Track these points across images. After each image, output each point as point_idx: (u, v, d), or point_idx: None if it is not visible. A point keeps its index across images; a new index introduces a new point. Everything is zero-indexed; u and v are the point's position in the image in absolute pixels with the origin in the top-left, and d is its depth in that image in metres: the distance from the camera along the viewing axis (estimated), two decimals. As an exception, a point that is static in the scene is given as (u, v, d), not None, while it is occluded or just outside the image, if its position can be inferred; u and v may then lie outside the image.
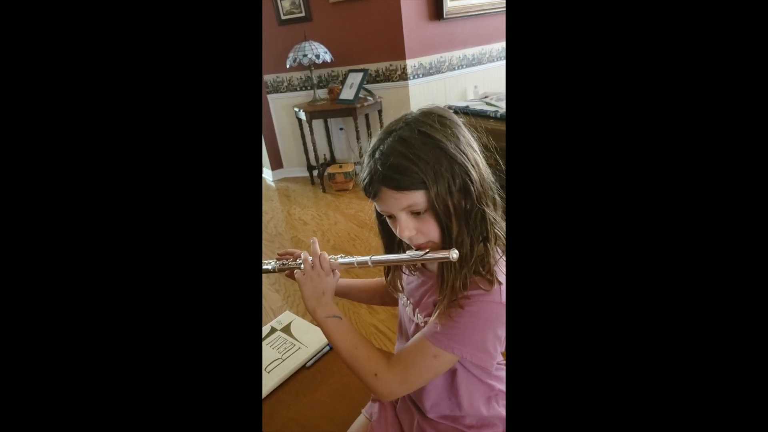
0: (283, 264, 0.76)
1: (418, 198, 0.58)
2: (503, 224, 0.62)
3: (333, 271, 0.69)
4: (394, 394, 0.68)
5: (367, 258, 0.67)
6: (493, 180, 0.62)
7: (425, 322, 0.68)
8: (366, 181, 0.60)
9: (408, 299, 0.74)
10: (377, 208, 0.64)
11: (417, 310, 0.71)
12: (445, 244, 0.61)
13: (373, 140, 0.62)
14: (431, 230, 0.61)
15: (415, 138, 0.58)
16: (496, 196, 0.63)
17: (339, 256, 0.71)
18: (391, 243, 0.71)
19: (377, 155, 0.59)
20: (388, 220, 0.64)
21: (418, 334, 0.66)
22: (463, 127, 0.62)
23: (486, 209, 0.60)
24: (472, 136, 0.63)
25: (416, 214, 0.60)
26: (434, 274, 0.68)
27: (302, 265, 0.70)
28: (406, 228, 0.60)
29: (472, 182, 0.59)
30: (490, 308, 0.60)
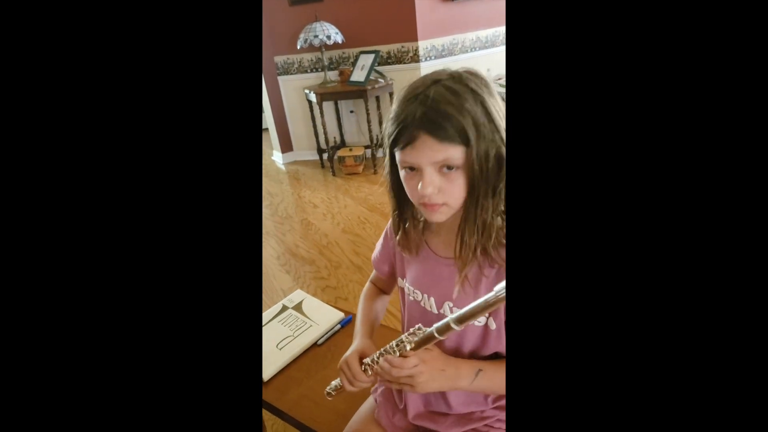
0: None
1: (456, 152, 0.55)
2: None
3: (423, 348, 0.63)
4: None
5: (447, 320, 0.58)
6: None
7: None
8: (400, 126, 0.56)
9: (424, 294, 0.70)
10: (400, 159, 0.59)
11: (448, 304, 0.67)
12: (468, 210, 0.59)
13: (412, 87, 0.58)
14: (456, 191, 0.58)
15: (465, 91, 0.55)
16: None
17: (406, 338, 0.63)
18: (402, 204, 0.67)
19: (421, 99, 0.55)
20: (405, 175, 0.60)
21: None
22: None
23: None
24: None
25: (447, 169, 0.57)
26: (451, 260, 0.65)
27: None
28: (430, 184, 0.56)
29: (504, 145, 0.57)
30: None
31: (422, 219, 0.69)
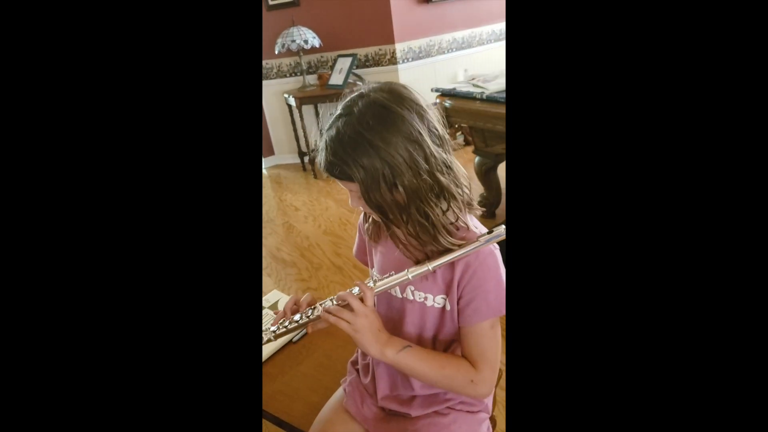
0: (284, 326, 0.76)
1: (354, 187, 0.63)
2: (463, 185, 0.65)
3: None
4: (493, 386, 0.70)
5: (405, 272, 0.66)
6: (444, 157, 0.63)
7: (426, 298, 0.71)
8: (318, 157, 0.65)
9: None
10: None
11: (410, 288, 0.72)
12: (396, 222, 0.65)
13: (329, 117, 0.65)
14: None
15: (355, 137, 0.59)
16: (451, 169, 0.64)
17: (369, 281, 0.69)
18: None
19: (322, 146, 0.64)
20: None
21: (463, 325, 0.67)
22: (423, 110, 0.62)
23: (430, 197, 0.62)
24: (432, 115, 0.64)
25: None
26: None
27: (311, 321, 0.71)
28: (355, 203, 0.67)
29: (403, 185, 0.60)
30: (489, 258, 0.64)
31: None
